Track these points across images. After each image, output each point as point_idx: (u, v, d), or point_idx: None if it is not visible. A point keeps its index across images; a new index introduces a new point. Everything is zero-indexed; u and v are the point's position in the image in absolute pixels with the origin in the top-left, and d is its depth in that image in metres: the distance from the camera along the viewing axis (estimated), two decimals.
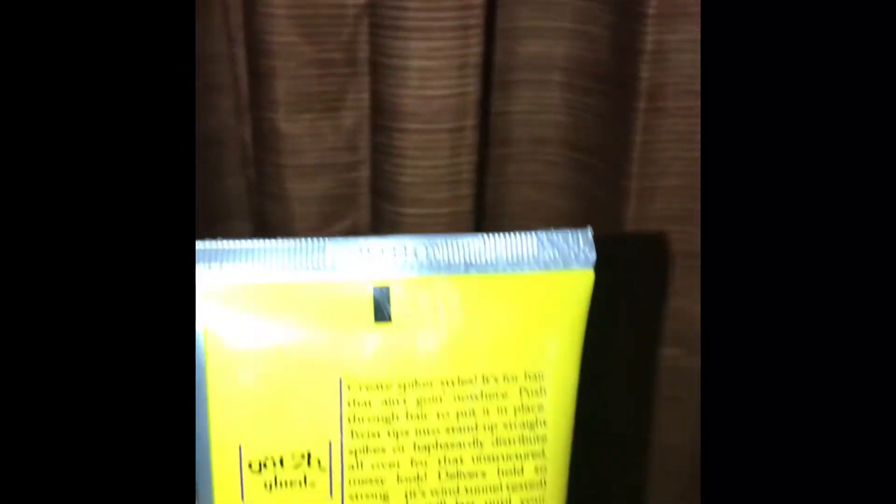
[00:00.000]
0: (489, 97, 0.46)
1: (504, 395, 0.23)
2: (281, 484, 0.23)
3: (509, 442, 0.23)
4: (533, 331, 0.23)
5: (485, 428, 0.23)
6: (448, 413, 0.23)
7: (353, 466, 0.23)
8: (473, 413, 0.23)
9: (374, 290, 0.22)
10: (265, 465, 0.22)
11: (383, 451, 0.23)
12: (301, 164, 0.45)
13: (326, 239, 0.22)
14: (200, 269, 0.22)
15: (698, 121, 0.43)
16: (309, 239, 0.22)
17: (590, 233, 0.23)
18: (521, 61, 0.46)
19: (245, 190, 0.50)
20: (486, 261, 0.23)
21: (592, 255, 0.23)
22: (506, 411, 0.23)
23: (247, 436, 0.22)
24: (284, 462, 0.22)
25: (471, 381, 0.23)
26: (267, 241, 0.23)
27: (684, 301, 0.48)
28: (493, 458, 0.23)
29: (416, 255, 0.23)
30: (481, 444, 0.23)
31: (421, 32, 0.41)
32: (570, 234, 0.23)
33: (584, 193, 0.48)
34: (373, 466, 0.23)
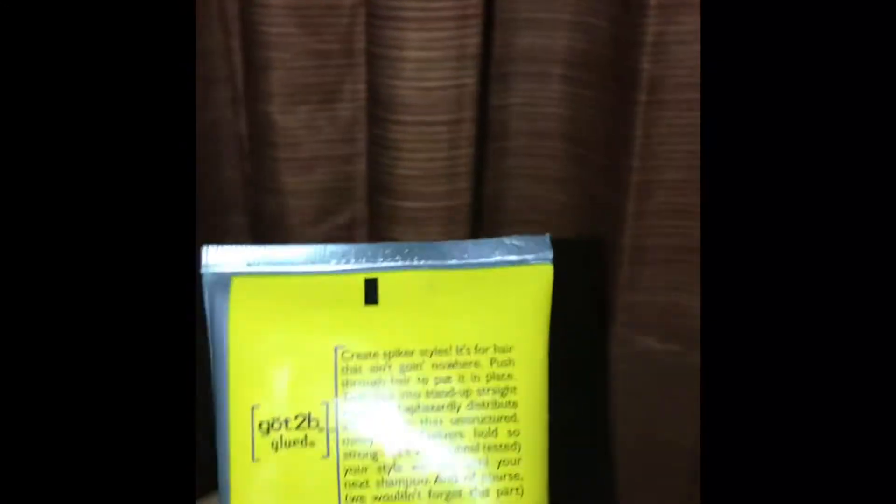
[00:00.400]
0: (487, 89, 0.45)
1: (477, 364, 0.26)
2: (286, 443, 0.26)
3: (483, 406, 0.26)
4: (501, 312, 0.27)
5: (460, 393, 0.26)
6: (427, 379, 0.26)
7: (346, 427, 0.26)
8: (450, 379, 0.26)
9: (366, 280, 0.27)
10: (273, 426, 0.26)
11: (372, 412, 0.26)
12: (297, 156, 0.45)
13: (331, 244, 0.27)
14: (232, 261, 0.27)
15: (698, 113, 0.43)
16: (319, 244, 0.27)
17: (548, 237, 0.27)
18: (519, 53, 0.46)
19: (242, 183, 0.49)
20: (459, 259, 0.27)
21: (550, 254, 0.27)
22: (478, 378, 0.26)
23: (258, 399, 0.26)
24: (289, 423, 0.26)
25: (446, 352, 0.26)
26: (289, 246, 0.27)
27: (684, 296, 0.48)
28: (469, 421, 0.26)
29: (400, 255, 0.27)
30: (458, 407, 0.26)
31: (418, 23, 0.40)
32: (530, 238, 0.27)
33: (584, 187, 0.48)
34: (363, 427, 0.26)
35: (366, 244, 0.27)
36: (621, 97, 0.44)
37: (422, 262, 0.27)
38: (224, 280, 0.26)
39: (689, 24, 0.41)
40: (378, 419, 0.26)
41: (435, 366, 0.26)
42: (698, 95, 0.43)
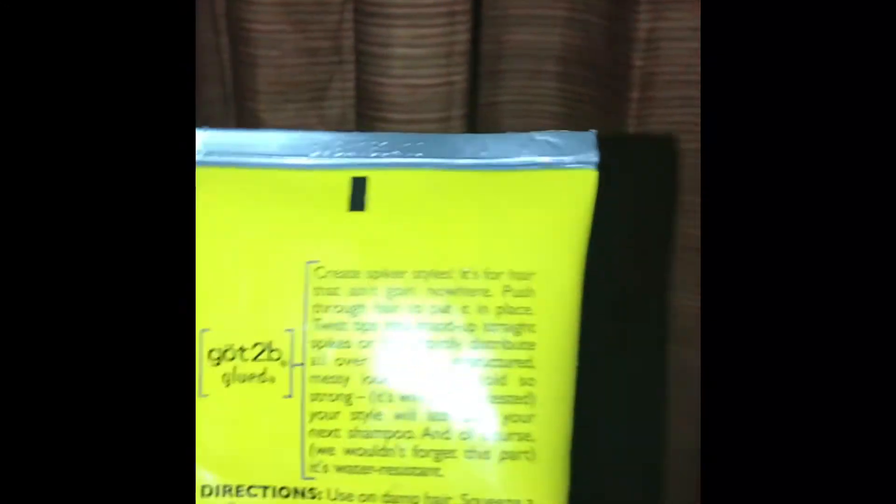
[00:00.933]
0: (478, 87, 0.45)
1: (486, 293, 0.21)
2: (239, 378, 0.21)
3: (491, 346, 0.21)
4: (523, 228, 0.21)
5: (462, 328, 0.21)
6: (421, 307, 0.21)
7: (314, 361, 0.21)
8: (449, 310, 0.21)
9: (353, 179, 0.21)
10: (225, 356, 0.21)
11: (348, 345, 0.21)
12: None
13: (314, 132, 0.22)
14: (197, 149, 0.22)
15: (692, 111, 0.42)
16: (297, 131, 0.22)
17: (594, 134, 0.22)
18: (510, 50, 0.45)
19: None
20: (475, 157, 0.22)
21: (595, 157, 0.21)
22: (487, 311, 0.21)
23: (209, 322, 0.21)
24: (245, 353, 0.21)
25: (447, 275, 0.21)
26: (260, 131, 0.22)
27: (679, 296, 0.47)
28: (472, 363, 0.21)
29: (399, 149, 0.22)
30: (458, 345, 0.21)
31: (406, 19, 0.40)
32: (571, 135, 0.22)
33: None
34: (337, 362, 0.21)
35: (356, 133, 0.22)
36: (614, 94, 0.43)
37: (425, 160, 0.22)
38: None
39: (682, 20, 0.41)
40: (355, 355, 0.21)
41: (432, 291, 0.21)
42: (691, 92, 0.42)
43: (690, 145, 0.43)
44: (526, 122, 0.47)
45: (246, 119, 0.44)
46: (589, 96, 0.45)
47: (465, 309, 0.21)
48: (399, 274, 0.21)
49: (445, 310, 0.21)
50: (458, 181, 0.22)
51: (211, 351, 0.21)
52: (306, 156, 0.22)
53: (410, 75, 0.41)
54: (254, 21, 0.42)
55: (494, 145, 0.22)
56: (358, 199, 0.21)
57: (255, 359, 0.21)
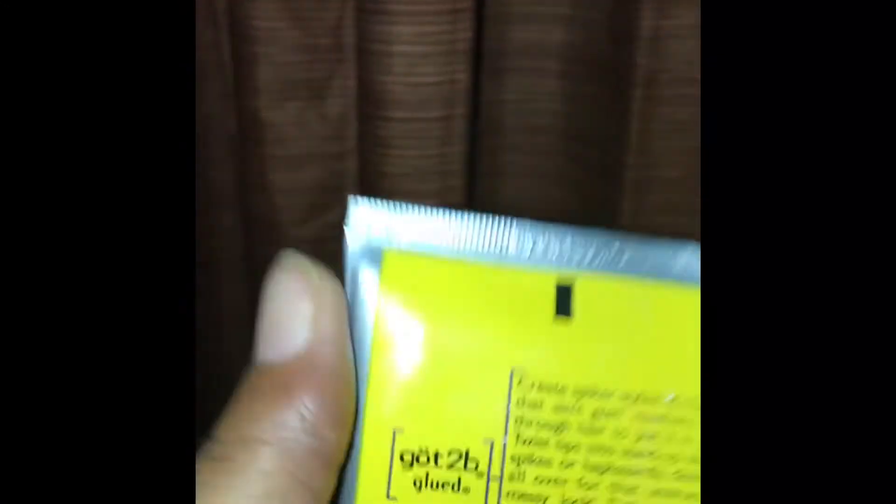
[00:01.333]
0: (480, 85, 0.45)
1: (692, 424, 0.20)
2: (431, 484, 0.20)
3: (694, 479, 0.20)
4: None
5: (667, 458, 0.20)
6: (627, 432, 0.20)
7: (513, 476, 0.20)
8: (656, 437, 0.20)
9: (558, 281, 0.20)
10: (418, 460, 0.20)
11: (549, 463, 0.20)
12: (286, 154, 0.44)
13: (514, 220, 0.20)
14: (385, 226, 0.20)
15: (695, 109, 0.42)
16: (496, 217, 0.20)
17: None
18: (513, 48, 0.45)
19: (232, 180, 0.49)
20: (688, 272, 0.20)
21: None
22: (693, 442, 0.20)
23: (403, 422, 0.20)
24: (439, 459, 0.20)
25: (656, 400, 0.20)
26: (453, 213, 0.20)
27: None
28: (673, 495, 0.20)
29: (608, 251, 0.20)
30: (661, 475, 0.20)
31: (408, 17, 0.39)
32: None
33: (580, 185, 0.47)
34: (536, 480, 0.20)
35: (564, 227, 0.20)
36: (617, 93, 0.43)
37: (639, 269, 0.20)
38: (372, 252, 0.20)
39: (685, 17, 0.41)
40: (556, 475, 0.20)
41: (639, 417, 0.20)
42: (694, 91, 0.42)
43: (693, 143, 0.43)
44: (529, 121, 0.47)
45: (246, 117, 0.44)
46: (592, 94, 0.45)
47: (671, 438, 0.20)
48: (607, 394, 0.20)
49: (651, 437, 0.20)
50: (669, 297, 0.20)
51: (403, 453, 0.20)
52: (514, 250, 0.20)
53: (412, 73, 0.40)
54: (253, 18, 0.42)
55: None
56: (565, 304, 0.20)
57: (450, 467, 0.20)
